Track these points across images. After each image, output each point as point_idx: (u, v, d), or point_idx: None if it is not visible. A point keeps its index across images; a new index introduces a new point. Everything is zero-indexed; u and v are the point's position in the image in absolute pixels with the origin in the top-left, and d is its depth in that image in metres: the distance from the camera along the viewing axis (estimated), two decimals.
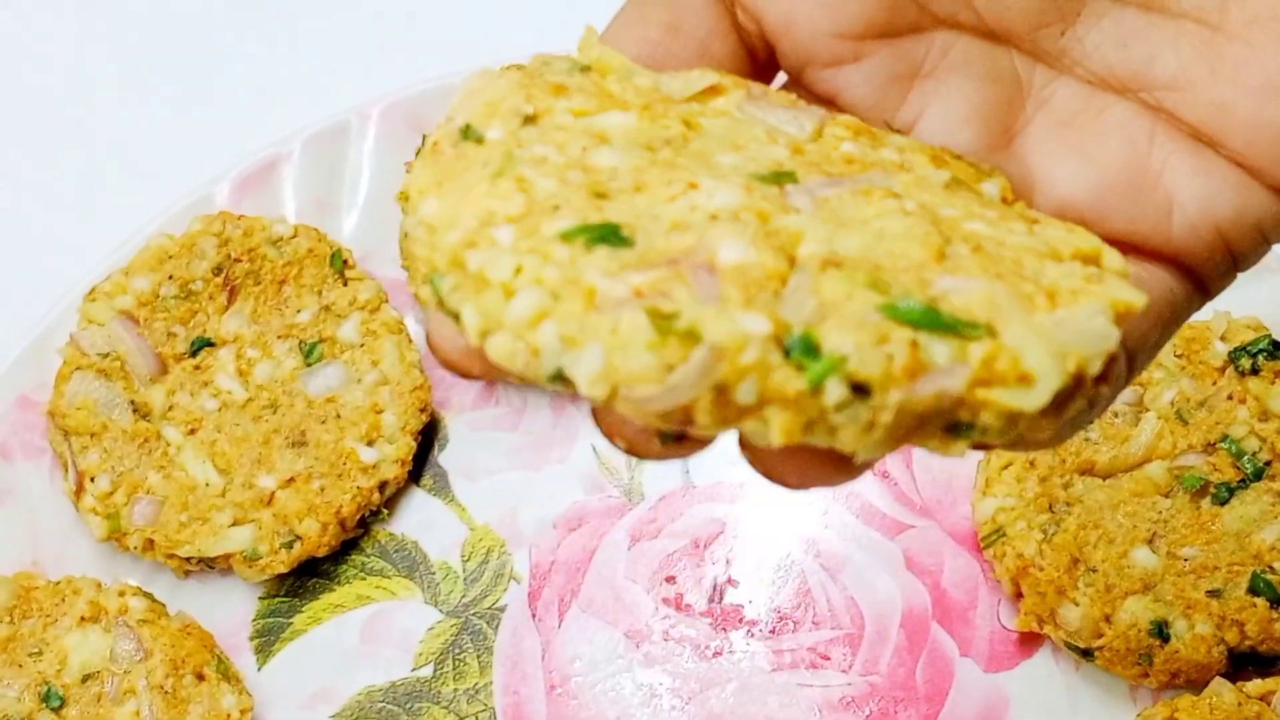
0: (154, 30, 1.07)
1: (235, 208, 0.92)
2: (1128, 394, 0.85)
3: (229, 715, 0.81)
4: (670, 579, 0.86)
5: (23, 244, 1.00)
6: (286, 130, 0.94)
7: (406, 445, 0.87)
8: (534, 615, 0.86)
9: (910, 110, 0.52)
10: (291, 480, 0.86)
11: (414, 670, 0.85)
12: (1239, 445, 0.83)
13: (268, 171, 0.94)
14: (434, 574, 0.87)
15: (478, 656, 0.85)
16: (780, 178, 0.46)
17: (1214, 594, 0.80)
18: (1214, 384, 0.85)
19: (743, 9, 0.51)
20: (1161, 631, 0.80)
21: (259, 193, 0.93)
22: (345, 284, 0.91)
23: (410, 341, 0.90)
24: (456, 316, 0.43)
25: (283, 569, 0.86)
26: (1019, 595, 0.83)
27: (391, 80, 0.96)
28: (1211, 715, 0.77)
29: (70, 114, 1.04)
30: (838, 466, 0.45)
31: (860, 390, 0.40)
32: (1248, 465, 0.83)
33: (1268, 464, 0.83)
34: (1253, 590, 0.80)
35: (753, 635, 0.85)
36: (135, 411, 0.87)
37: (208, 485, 0.86)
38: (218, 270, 0.90)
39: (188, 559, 0.86)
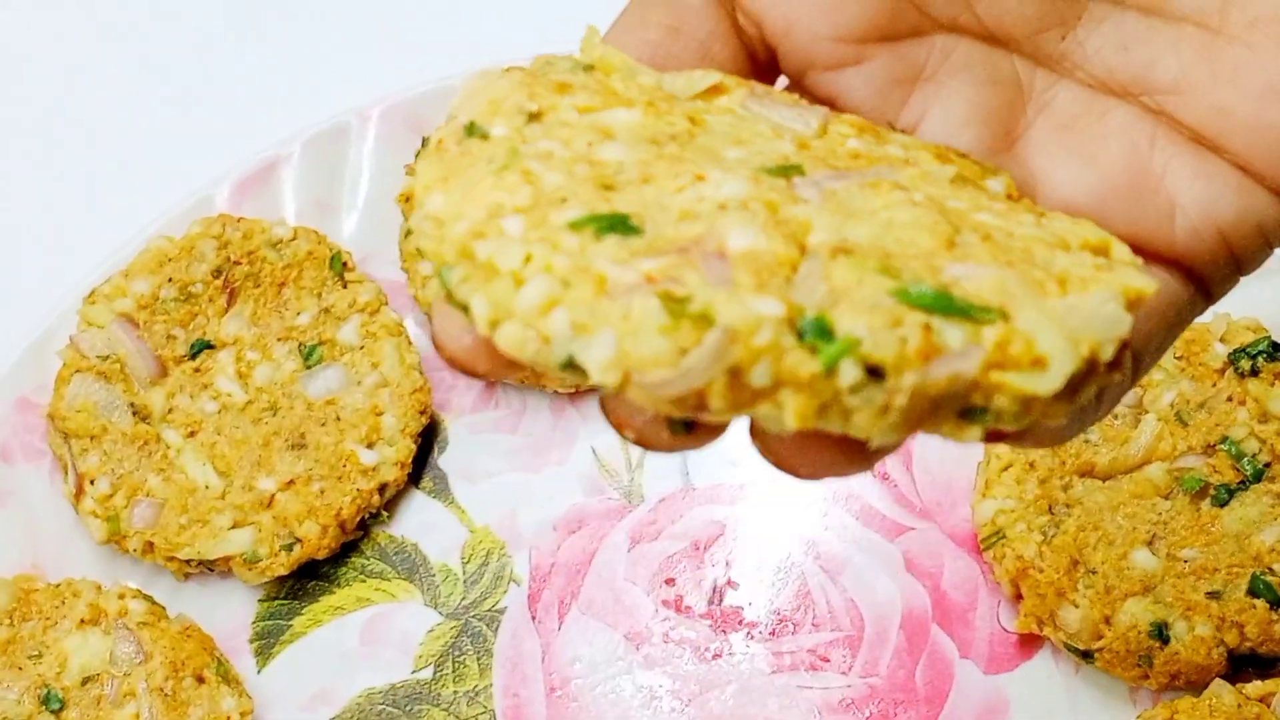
0: (153, 33, 1.07)
1: (235, 210, 0.92)
2: (1128, 396, 0.85)
3: (229, 717, 0.81)
4: (670, 581, 0.86)
5: (23, 246, 1.00)
6: (286, 132, 0.94)
7: (406, 448, 0.88)
8: (534, 617, 0.86)
9: (911, 113, 0.52)
10: (291, 483, 0.86)
11: (414, 672, 0.85)
12: (1239, 447, 0.83)
13: (267, 174, 0.94)
14: (434, 576, 0.87)
15: (477, 659, 0.85)
16: (787, 171, 0.46)
17: (1214, 596, 0.80)
18: (1214, 386, 0.85)
19: (743, 12, 0.51)
20: (1161, 633, 0.80)
21: (259, 195, 0.93)
22: (345, 286, 0.91)
23: (410, 344, 0.90)
24: (465, 308, 0.43)
25: (283, 571, 0.86)
26: (1019, 597, 0.83)
27: (391, 82, 0.96)
28: (1211, 717, 0.77)
29: (70, 116, 1.04)
30: (849, 456, 0.45)
31: (874, 373, 0.40)
32: (1247, 467, 0.83)
33: (1267, 466, 0.83)
34: (1252, 592, 0.80)
35: (752, 637, 0.85)
36: (135, 414, 0.87)
37: (207, 488, 0.86)
38: (217, 273, 0.90)
39: (187, 561, 0.86)
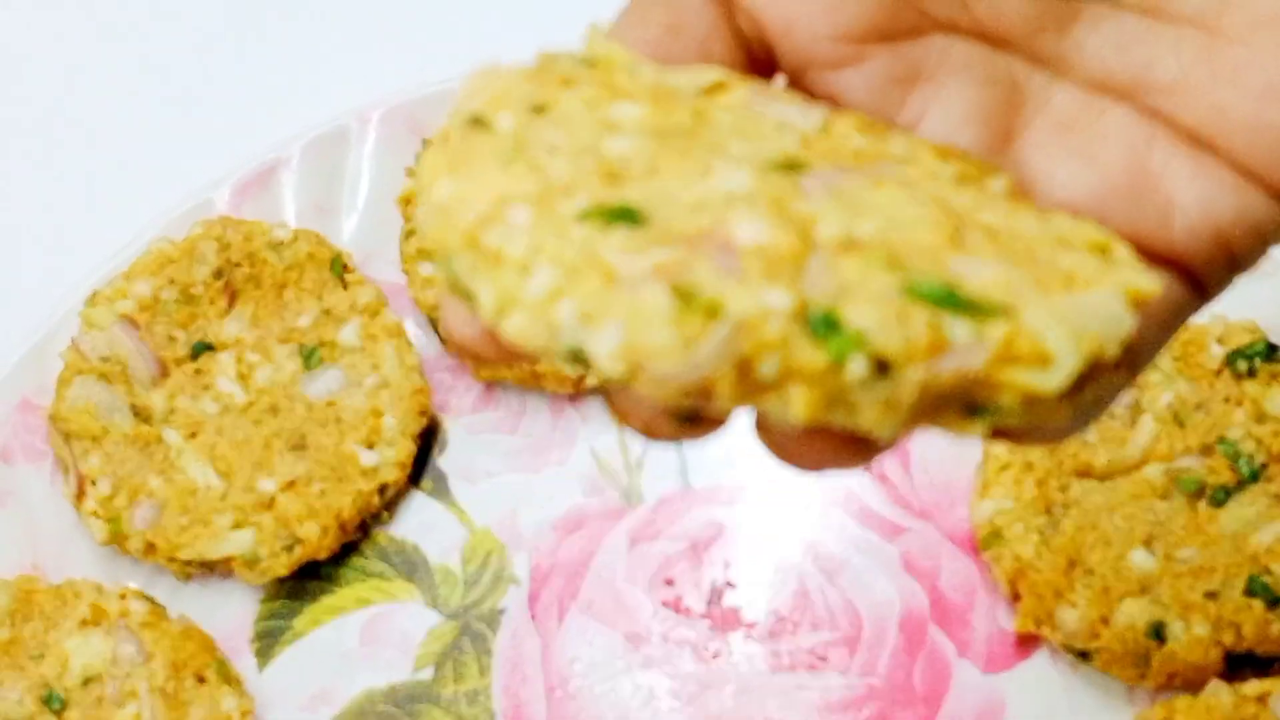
0: (153, 33, 1.07)
1: (235, 212, 0.93)
2: (1125, 396, 0.85)
3: (229, 717, 0.82)
4: (669, 581, 0.86)
5: (23, 248, 1.00)
6: (286, 133, 0.95)
7: (406, 448, 0.88)
8: (534, 617, 0.86)
9: (910, 113, 0.52)
10: (292, 483, 0.86)
11: (414, 672, 0.85)
12: (1236, 448, 0.83)
13: (268, 176, 0.94)
14: (434, 576, 0.88)
15: (477, 659, 0.85)
16: (792, 166, 0.46)
17: (1211, 596, 0.80)
18: (1211, 387, 0.85)
19: (742, 11, 0.51)
20: (1159, 633, 0.80)
21: (259, 197, 0.93)
22: (345, 288, 0.91)
23: (410, 345, 0.90)
24: (471, 297, 0.43)
25: (283, 572, 0.86)
26: (1017, 597, 0.83)
27: (391, 82, 0.96)
28: (1209, 716, 0.78)
29: (70, 116, 1.04)
30: (854, 449, 0.45)
31: (882, 368, 0.41)
32: (1244, 467, 0.83)
33: (1264, 466, 0.83)
34: (1249, 592, 0.80)
35: (751, 637, 0.85)
36: (136, 415, 0.88)
37: (208, 489, 0.86)
38: (218, 274, 0.90)
39: (188, 562, 0.86)
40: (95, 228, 0.98)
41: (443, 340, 0.91)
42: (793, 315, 0.40)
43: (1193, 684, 0.80)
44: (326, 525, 0.86)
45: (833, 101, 0.52)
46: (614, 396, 0.46)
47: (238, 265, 0.90)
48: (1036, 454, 0.84)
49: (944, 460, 0.88)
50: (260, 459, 0.87)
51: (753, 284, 0.41)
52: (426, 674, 0.85)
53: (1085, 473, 0.84)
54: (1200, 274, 0.51)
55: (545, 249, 0.42)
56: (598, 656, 0.85)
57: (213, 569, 0.87)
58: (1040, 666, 0.84)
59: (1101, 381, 0.44)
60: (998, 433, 0.44)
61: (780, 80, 0.53)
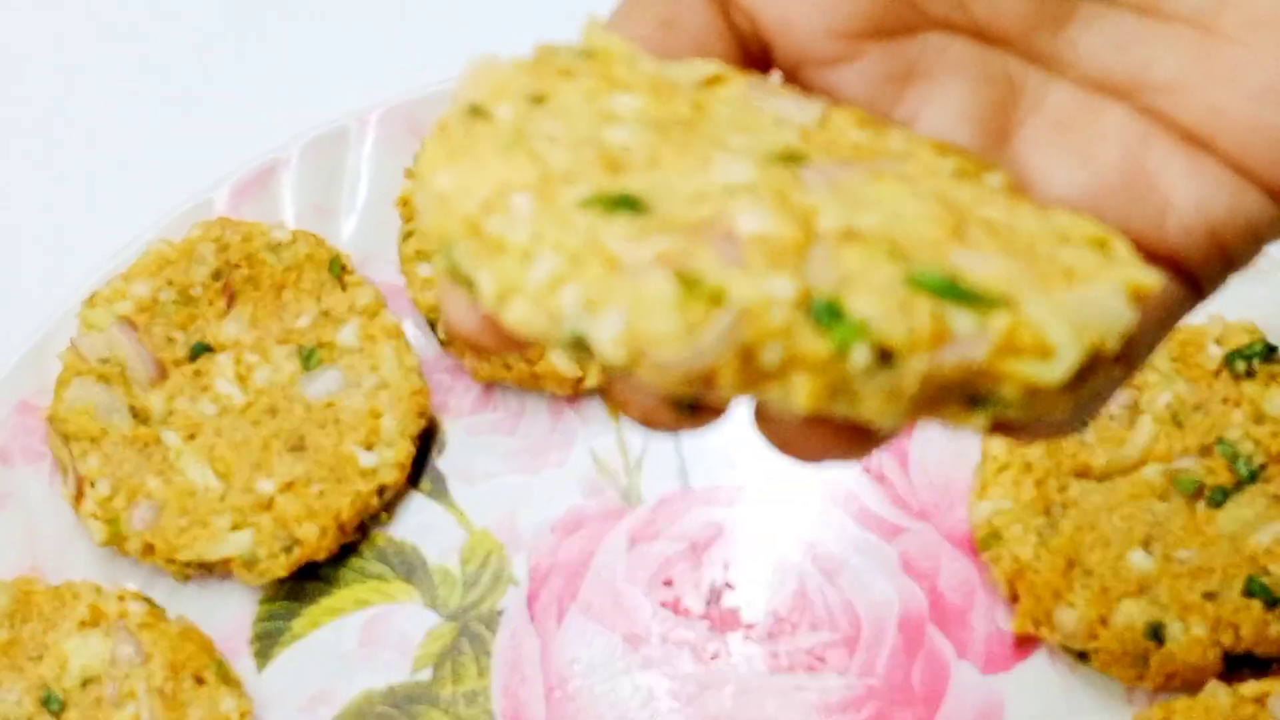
0: (153, 33, 1.07)
1: (234, 213, 0.93)
2: (1123, 397, 0.85)
3: (228, 718, 0.82)
4: (668, 582, 0.86)
5: (22, 249, 1.00)
6: (287, 133, 0.95)
7: (405, 449, 0.88)
8: (533, 618, 0.86)
9: (905, 110, 0.52)
10: (290, 484, 0.86)
11: (413, 673, 0.85)
12: (1234, 448, 0.83)
13: (266, 177, 0.94)
14: (433, 577, 0.88)
15: (476, 660, 0.85)
16: (792, 159, 0.46)
17: (1209, 596, 0.80)
18: (1209, 387, 0.85)
19: (737, 7, 0.51)
20: (1157, 634, 0.80)
21: (258, 198, 0.93)
22: (344, 289, 0.91)
23: (408, 346, 0.90)
24: (471, 285, 0.43)
25: (282, 573, 0.86)
26: (1015, 598, 0.83)
27: (391, 82, 0.96)
28: (1207, 717, 0.78)
29: (70, 116, 1.04)
30: (854, 440, 0.45)
31: (885, 357, 0.41)
32: (1243, 468, 0.83)
33: (1263, 467, 0.83)
34: (1248, 592, 0.80)
35: (750, 638, 0.85)
36: (135, 416, 0.88)
37: (207, 490, 0.86)
38: (217, 276, 0.90)
39: (187, 563, 0.86)
40: (95, 228, 0.98)
41: (442, 341, 0.91)
42: (796, 303, 0.40)
43: (1191, 685, 0.80)
44: (325, 526, 0.86)
45: (828, 98, 0.52)
46: (613, 385, 0.46)
47: (236, 266, 0.90)
48: (1035, 454, 0.84)
49: (943, 461, 0.88)
50: (259, 460, 0.87)
51: (756, 272, 0.41)
52: (425, 675, 0.85)
53: (1084, 473, 0.84)
54: (1196, 272, 0.51)
55: (547, 236, 0.42)
56: (597, 657, 0.85)
57: (211, 570, 0.87)
58: (1039, 667, 0.84)
59: (1100, 376, 0.44)
60: (997, 426, 0.44)
61: (776, 77, 0.53)
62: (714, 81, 0.50)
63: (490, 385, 0.92)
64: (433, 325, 0.91)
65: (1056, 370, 0.42)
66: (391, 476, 0.87)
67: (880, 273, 0.41)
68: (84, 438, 0.87)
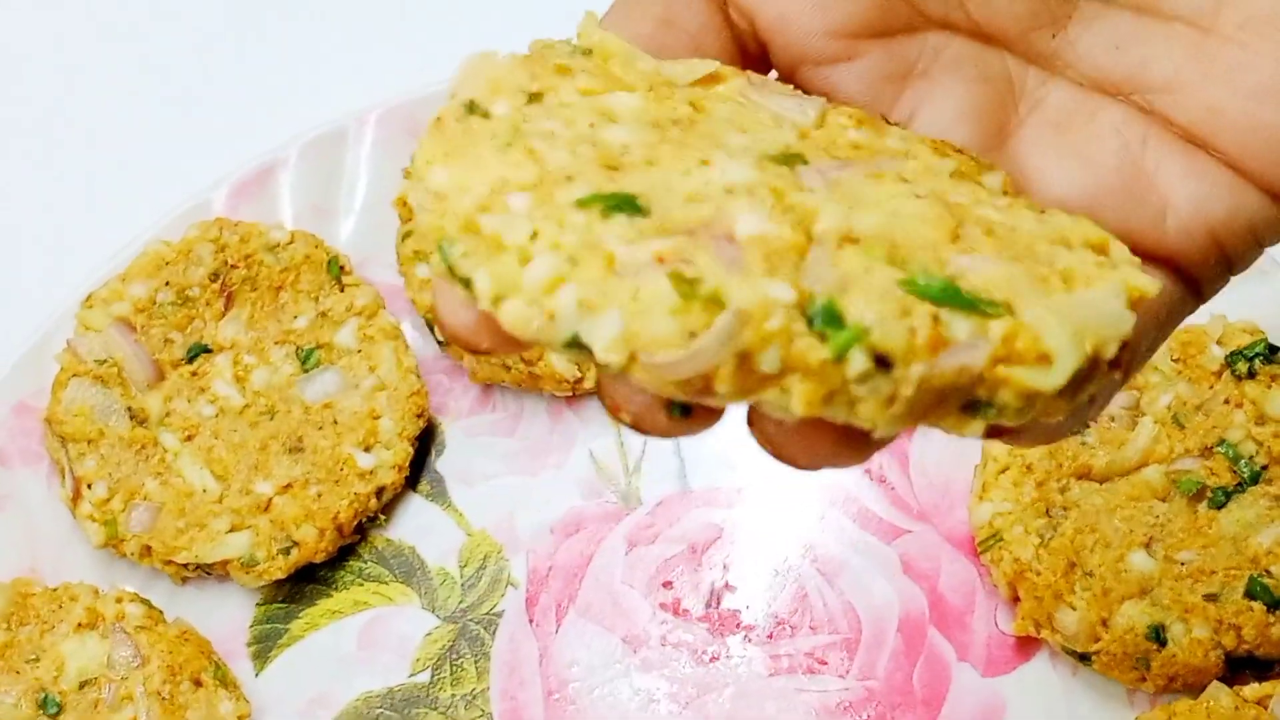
0: (153, 33, 1.07)
1: (232, 214, 0.92)
2: (1124, 398, 0.85)
3: None
4: (667, 584, 0.86)
5: (20, 250, 1.00)
6: (286, 133, 0.94)
7: (404, 451, 0.87)
8: (531, 621, 0.86)
9: (903, 110, 0.52)
10: (289, 486, 0.86)
11: (411, 676, 0.85)
12: (1235, 449, 0.83)
13: (265, 177, 0.94)
14: (431, 579, 0.87)
15: (475, 662, 0.85)
16: (791, 159, 0.46)
17: (1211, 598, 0.80)
18: (1210, 388, 0.85)
19: (735, 6, 0.51)
20: (1158, 635, 0.80)
21: (256, 199, 0.93)
22: (342, 290, 0.91)
23: (407, 347, 0.90)
24: (467, 283, 0.43)
25: (280, 575, 0.85)
26: (1016, 600, 0.83)
27: (391, 82, 0.96)
28: (1208, 719, 0.77)
29: (70, 116, 1.04)
30: (849, 446, 0.44)
31: (882, 363, 0.40)
32: (1244, 469, 0.83)
33: (1264, 468, 0.83)
34: (1249, 594, 0.80)
35: (750, 640, 0.85)
36: (132, 418, 0.87)
37: (205, 491, 0.86)
38: (215, 276, 0.90)
39: (185, 565, 0.86)
40: (95, 228, 0.98)
41: (440, 342, 0.91)
42: (794, 307, 0.40)
43: (1193, 687, 0.80)
44: (323, 528, 0.85)
45: (826, 98, 0.52)
46: (607, 387, 0.46)
47: (234, 267, 0.90)
48: (1035, 456, 0.84)
49: (942, 462, 0.88)
50: (257, 461, 0.87)
51: (754, 275, 0.41)
52: (424, 677, 0.85)
53: (1084, 475, 0.83)
54: (1194, 273, 0.51)
55: (545, 235, 0.42)
56: (596, 660, 0.85)
57: (209, 572, 0.86)
58: (1040, 669, 0.84)
59: (1098, 380, 0.43)
60: (993, 431, 0.44)
61: (772, 76, 0.52)
62: (712, 80, 0.49)
63: (489, 386, 0.92)
64: (431, 326, 0.91)
65: (1055, 377, 0.41)
66: (390, 478, 0.87)
67: (879, 276, 0.41)
68: (81, 439, 0.87)
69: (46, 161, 1.03)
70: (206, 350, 0.89)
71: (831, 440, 0.44)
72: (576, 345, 0.41)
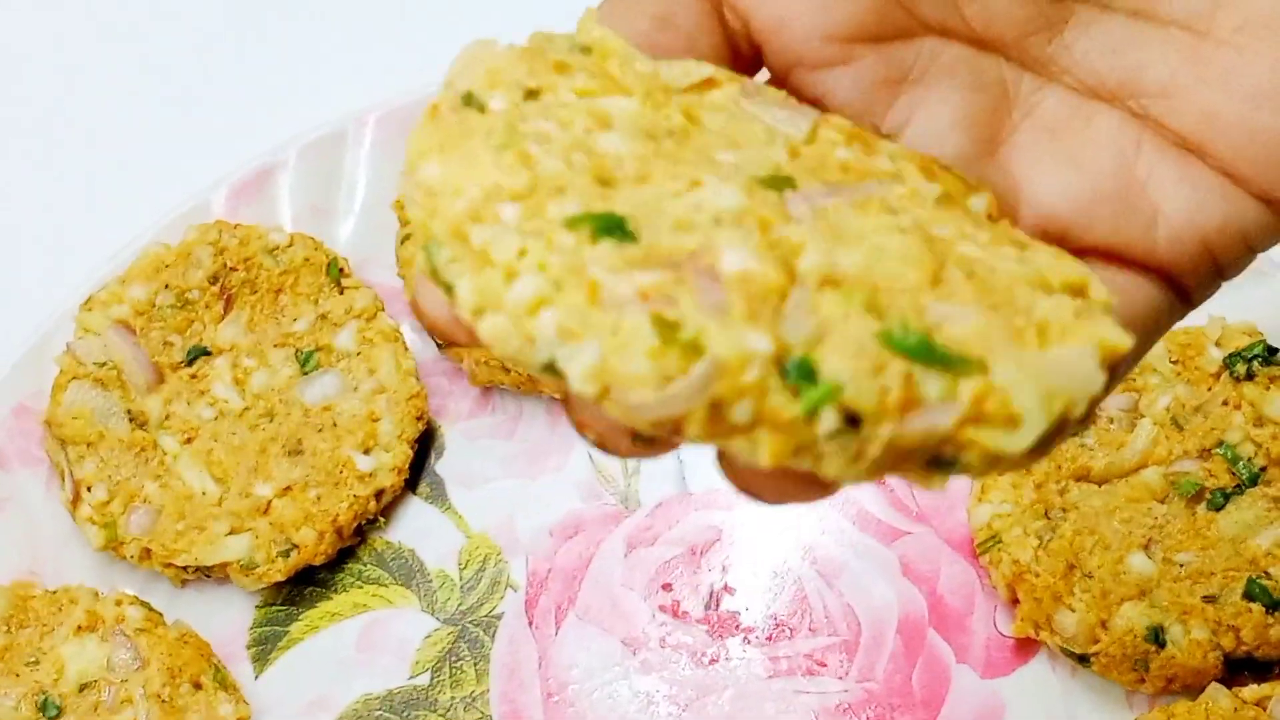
0: (153, 33, 1.07)
1: (231, 216, 0.92)
2: (1123, 400, 0.85)
3: None
4: (667, 586, 0.86)
5: (19, 252, 1.00)
6: (282, 138, 0.94)
7: (403, 453, 0.87)
8: (531, 623, 0.86)
9: (897, 116, 0.52)
10: (288, 489, 0.86)
11: (411, 678, 0.85)
12: (1234, 451, 0.83)
13: (264, 179, 0.94)
14: (431, 582, 0.87)
15: (474, 664, 0.85)
16: (780, 183, 0.45)
17: (1210, 599, 0.80)
18: (1209, 390, 0.85)
19: (730, 8, 0.51)
20: (1157, 637, 0.80)
21: (255, 201, 0.93)
22: (341, 292, 0.91)
23: (406, 349, 0.90)
24: (449, 288, 0.43)
25: (280, 578, 0.86)
26: (1015, 601, 0.83)
27: (391, 83, 0.96)
28: None
29: (70, 116, 1.04)
30: (816, 484, 0.44)
31: (852, 420, 0.40)
32: (1243, 471, 0.82)
33: (1263, 469, 0.83)
34: (1248, 596, 0.80)
35: (749, 642, 0.85)
36: (132, 421, 0.88)
37: (204, 494, 0.86)
38: (214, 279, 0.90)
39: (185, 568, 0.86)
40: (95, 228, 0.98)
41: (440, 345, 0.91)
42: (772, 360, 0.40)
43: (1192, 688, 0.80)
44: (323, 531, 0.85)
45: (819, 102, 0.51)
46: (575, 405, 0.46)
47: (234, 270, 0.90)
48: None
49: None
50: (256, 464, 0.87)
51: (735, 321, 0.40)
52: (423, 680, 0.85)
53: (1083, 476, 0.83)
54: (1184, 281, 0.51)
55: (532, 254, 0.41)
56: (595, 662, 0.85)
57: (209, 575, 0.86)
58: (1039, 671, 0.83)
59: (1066, 436, 0.43)
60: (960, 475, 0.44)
61: (762, 78, 0.52)
62: (706, 85, 0.49)
63: (488, 389, 0.92)
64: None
65: (1021, 440, 0.41)
66: (389, 480, 0.87)
67: (855, 326, 0.41)
68: (81, 442, 0.87)
69: (46, 161, 1.03)
70: (206, 353, 0.89)
71: (797, 481, 0.44)
72: (552, 368, 0.41)
